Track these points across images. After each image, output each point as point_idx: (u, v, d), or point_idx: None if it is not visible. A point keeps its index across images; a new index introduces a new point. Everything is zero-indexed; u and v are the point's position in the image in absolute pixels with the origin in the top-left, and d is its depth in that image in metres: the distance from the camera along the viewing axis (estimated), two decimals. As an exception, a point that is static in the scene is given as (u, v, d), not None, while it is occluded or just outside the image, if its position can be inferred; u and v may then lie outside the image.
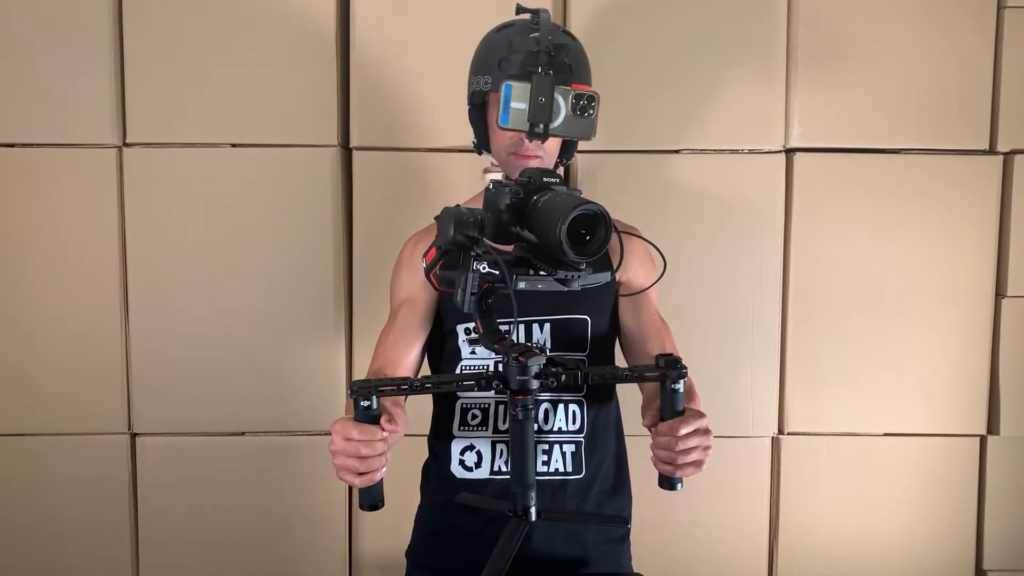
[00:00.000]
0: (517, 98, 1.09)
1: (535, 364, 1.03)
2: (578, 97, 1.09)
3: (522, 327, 1.33)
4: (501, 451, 1.32)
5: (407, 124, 1.85)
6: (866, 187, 1.87)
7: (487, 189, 1.04)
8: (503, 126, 1.11)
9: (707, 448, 1.10)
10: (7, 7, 1.81)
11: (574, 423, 1.34)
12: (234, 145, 1.84)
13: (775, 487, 1.95)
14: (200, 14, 1.81)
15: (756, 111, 1.85)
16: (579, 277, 1.03)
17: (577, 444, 1.33)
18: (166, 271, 1.86)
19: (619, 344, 1.44)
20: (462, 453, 1.34)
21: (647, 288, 1.37)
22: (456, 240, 1.02)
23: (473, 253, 1.03)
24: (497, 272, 1.02)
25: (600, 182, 1.85)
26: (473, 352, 1.35)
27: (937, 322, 1.90)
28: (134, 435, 1.90)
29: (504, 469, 1.31)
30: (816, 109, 1.85)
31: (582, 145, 1.43)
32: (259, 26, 1.82)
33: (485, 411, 1.34)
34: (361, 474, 1.02)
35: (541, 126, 1.09)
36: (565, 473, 1.32)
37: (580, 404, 1.34)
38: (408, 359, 1.34)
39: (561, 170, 1.42)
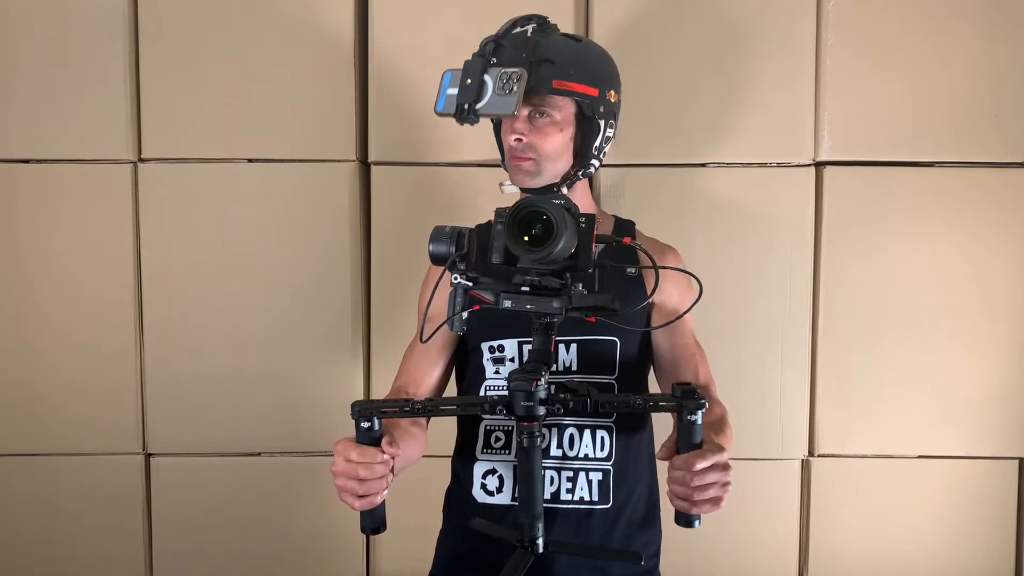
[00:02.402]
0: (453, 84, 1.12)
1: (541, 390, 1.00)
2: (504, 76, 1.11)
3: None
4: None
5: (426, 138, 1.82)
6: (899, 201, 1.82)
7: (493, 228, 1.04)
8: (438, 111, 1.13)
9: (726, 484, 1.02)
10: (22, 22, 1.80)
11: (602, 450, 1.28)
12: (250, 160, 1.82)
13: (805, 510, 1.89)
14: (216, 28, 1.80)
15: (785, 124, 1.80)
16: (570, 297, 1.01)
17: (605, 472, 1.28)
18: (181, 288, 1.83)
19: (652, 368, 1.39)
20: (484, 477, 1.30)
21: (679, 316, 1.31)
22: (434, 255, 1.03)
23: (456, 270, 1.04)
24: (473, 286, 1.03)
25: (626, 197, 1.82)
26: (497, 372, 1.31)
27: (973, 340, 1.84)
28: (148, 455, 1.88)
29: (528, 496, 1.26)
30: (846, 121, 1.80)
31: (608, 159, 1.39)
32: (276, 40, 1.80)
33: (508, 434, 1.30)
34: (361, 496, 1.00)
35: (466, 107, 1.11)
36: (591, 502, 1.27)
37: (609, 430, 1.29)
38: (432, 377, 1.32)
39: (584, 184, 1.35)
